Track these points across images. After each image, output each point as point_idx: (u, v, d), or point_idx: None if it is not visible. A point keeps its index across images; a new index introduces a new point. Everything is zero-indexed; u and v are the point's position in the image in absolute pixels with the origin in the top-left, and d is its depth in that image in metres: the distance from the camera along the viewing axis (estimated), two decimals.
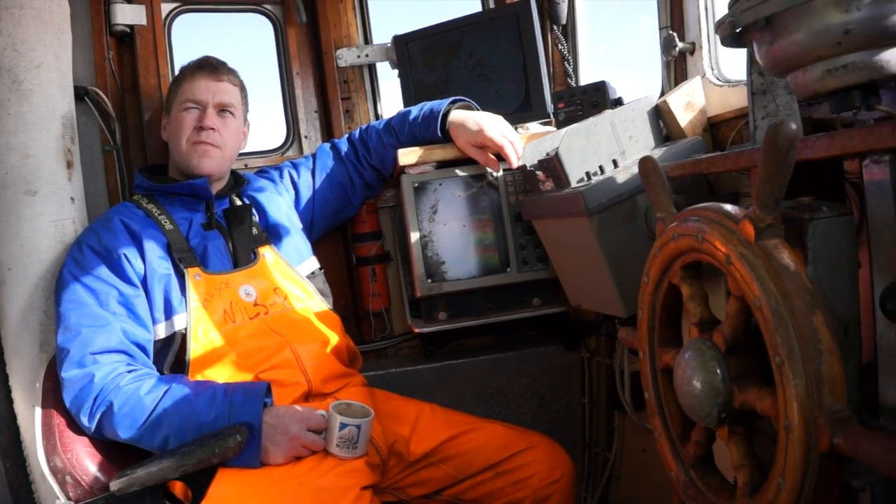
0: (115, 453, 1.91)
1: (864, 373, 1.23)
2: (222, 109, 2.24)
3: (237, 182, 2.35)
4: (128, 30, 2.67)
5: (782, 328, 1.01)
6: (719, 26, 1.39)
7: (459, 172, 2.32)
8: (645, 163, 1.41)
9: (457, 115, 2.29)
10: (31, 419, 1.95)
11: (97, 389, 1.85)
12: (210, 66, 2.25)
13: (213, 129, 2.20)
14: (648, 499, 2.55)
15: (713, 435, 1.32)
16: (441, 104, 2.33)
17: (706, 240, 1.17)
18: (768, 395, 1.10)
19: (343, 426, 1.87)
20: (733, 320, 1.17)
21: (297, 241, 2.34)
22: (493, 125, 2.22)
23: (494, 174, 2.31)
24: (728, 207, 1.17)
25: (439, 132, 2.30)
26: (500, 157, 2.26)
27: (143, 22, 2.67)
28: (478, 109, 2.37)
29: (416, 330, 2.38)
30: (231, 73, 2.29)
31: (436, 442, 2.11)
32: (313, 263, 2.35)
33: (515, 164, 2.19)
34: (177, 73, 2.35)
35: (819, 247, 1.20)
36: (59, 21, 2.17)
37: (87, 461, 1.86)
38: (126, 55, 2.73)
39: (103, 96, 2.58)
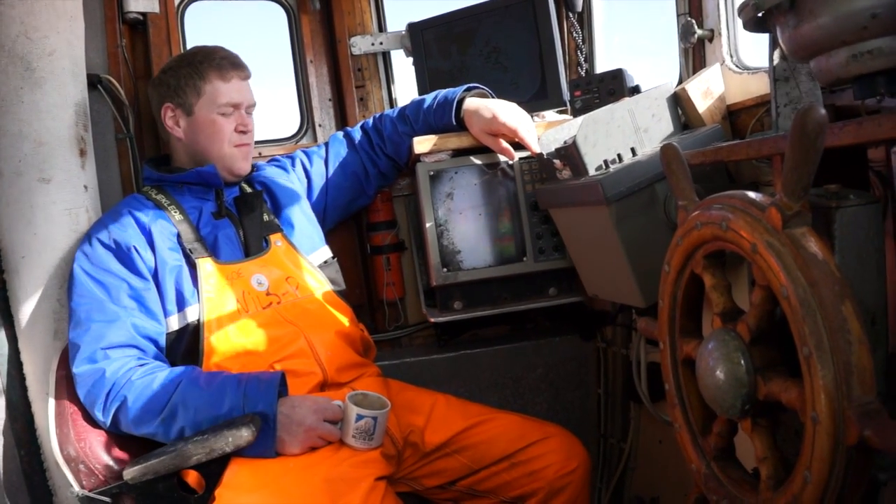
0: (129, 442, 1.90)
1: (890, 363, 1.21)
2: (250, 108, 2.24)
3: None
4: (141, 17, 2.65)
5: (810, 318, 0.99)
6: (742, 9, 1.37)
7: (475, 161, 2.30)
8: (667, 150, 1.39)
9: (471, 103, 2.27)
10: (45, 408, 1.95)
11: (109, 384, 1.85)
12: (239, 66, 2.20)
13: (251, 130, 2.22)
14: (664, 490, 2.54)
15: (735, 427, 1.31)
16: (455, 92, 2.31)
17: (731, 228, 1.15)
18: (794, 387, 1.08)
19: (360, 417, 1.86)
20: (758, 310, 1.14)
21: (309, 230, 2.32)
22: (506, 112, 2.20)
23: (510, 162, 2.29)
24: (753, 195, 1.15)
25: (454, 120, 2.28)
26: (516, 145, 2.23)
27: (156, 10, 2.65)
28: (493, 97, 2.34)
29: (431, 319, 2.37)
30: (247, 66, 2.25)
31: (451, 433, 2.10)
32: (326, 252, 2.34)
33: (535, 149, 2.17)
34: (187, 61, 2.23)
35: (846, 235, 1.18)
36: (72, 8, 2.15)
37: (100, 450, 1.86)
38: (139, 43, 2.72)
39: (116, 84, 2.56)
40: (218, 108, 2.16)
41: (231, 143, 2.18)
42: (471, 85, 2.35)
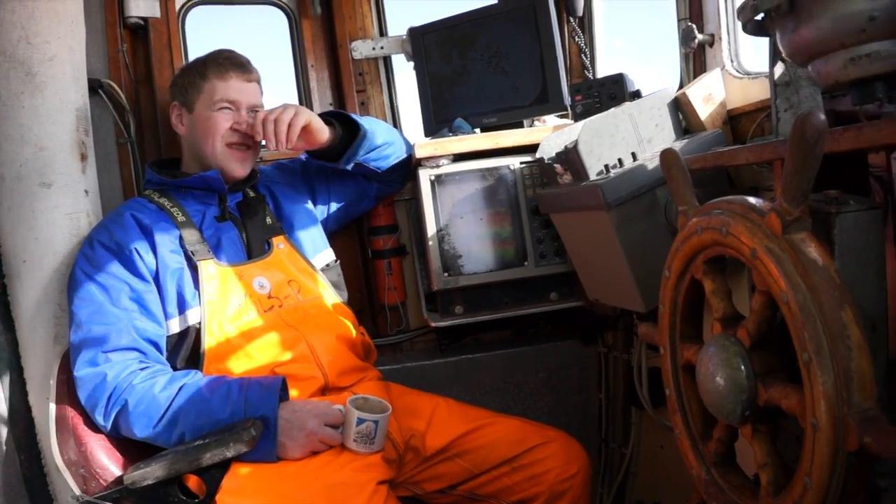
0: (130, 447, 1.90)
1: (890, 370, 1.20)
2: (252, 109, 2.21)
3: (251, 175, 2.33)
4: (142, 22, 2.66)
5: (810, 324, 0.99)
6: (741, 11, 1.36)
7: (477, 165, 2.31)
8: (667, 155, 1.39)
9: None
10: (45, 412, 1.94)
11: (110, 388, 1.84)
12: (241, 66, 2.21)
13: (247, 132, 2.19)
14: (665, 495, 2.54)
15: (735, 433, 1.30)
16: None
17: (731, 233, 1.15)
18: (794, 393, 1.07)
19: (360, 421, 1.86)
20: (758, 316, 1.14)
21: (312, 233, 2.32)
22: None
23: (511, 167, 2.30)
24: (753, 200, 1.15)
25: None
26: (516, 151, 2.24)
27: (157, 14, 2.66)
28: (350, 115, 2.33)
29: (433, 324, 2.38)
30: (255, 70, 2.26)
31: (452, 436, 2.09)
32: (329, 255, 2.34)
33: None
34: (195, 62, 2.27)
35: (846, 241, 1.17)
36: (73, 13, 2.15)
37: (101, 455, 1.85)
38: (140, 48, 2.72)
39: (117, 89, 2.57)
40: (214, 104, 2.17)
41: (224, 141, 2.17)
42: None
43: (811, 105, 1.54)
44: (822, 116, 0.97)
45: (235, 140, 2.18)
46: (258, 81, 2.26)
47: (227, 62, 2.20)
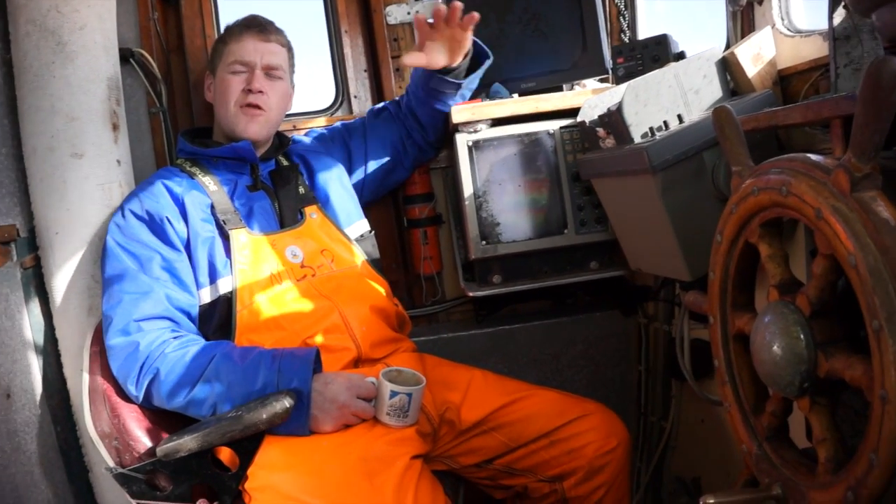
0: (164, 419, 1.89)
1: None
2: (270, 71, 2.19)
3: (282, 143, 2.31)
4: None
5: (881, 289, 0.92)
6: None
7: (515, 130, 2.25)
8: (720, 113, 1.32)
9: None
10: (80, 384, 1.94)
11: (143, 357, 1.83)
12: (258, 26, 2.19)
13: (261, 91, 2.15)
14: (706, 470, 2.48)
15: (790, 405, 1.24)
16: None
17: (792, 193, 1.08)
18: (859, 364, 1.01)
19: (394, 394, 1.82)
20: (820, 281, 1.07)
21: (346, 203, 2.29)
22: None
23: (550, 132, 2.24)
24: (816, 157, 1.07)
25: None
26: (555, 115, 2.18)
27: None
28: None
29: (470, 294, 2.33)
30: (279, 32, 2.24)
31: (488, 409, 2.05)
32: (363, 226, 2.31)
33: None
34: (222, 32, 2.29)
35: None
36: None
37: (134, 426, 1.84)
38: (171, 16, 2.69)
39: (149, 58, 2.55)
40: (228, 66, 2.17)
41: (237, 104, 2.15)
42: None
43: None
44: None
45: (247, 101, 2.15)
46: (281, 43, 2.23)
47: (244, 23, 2.20)
